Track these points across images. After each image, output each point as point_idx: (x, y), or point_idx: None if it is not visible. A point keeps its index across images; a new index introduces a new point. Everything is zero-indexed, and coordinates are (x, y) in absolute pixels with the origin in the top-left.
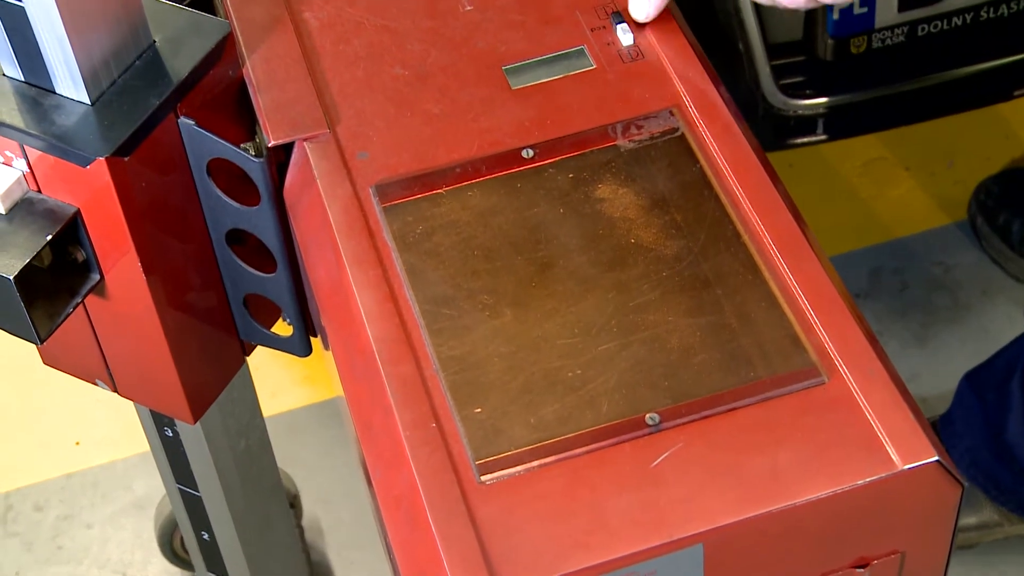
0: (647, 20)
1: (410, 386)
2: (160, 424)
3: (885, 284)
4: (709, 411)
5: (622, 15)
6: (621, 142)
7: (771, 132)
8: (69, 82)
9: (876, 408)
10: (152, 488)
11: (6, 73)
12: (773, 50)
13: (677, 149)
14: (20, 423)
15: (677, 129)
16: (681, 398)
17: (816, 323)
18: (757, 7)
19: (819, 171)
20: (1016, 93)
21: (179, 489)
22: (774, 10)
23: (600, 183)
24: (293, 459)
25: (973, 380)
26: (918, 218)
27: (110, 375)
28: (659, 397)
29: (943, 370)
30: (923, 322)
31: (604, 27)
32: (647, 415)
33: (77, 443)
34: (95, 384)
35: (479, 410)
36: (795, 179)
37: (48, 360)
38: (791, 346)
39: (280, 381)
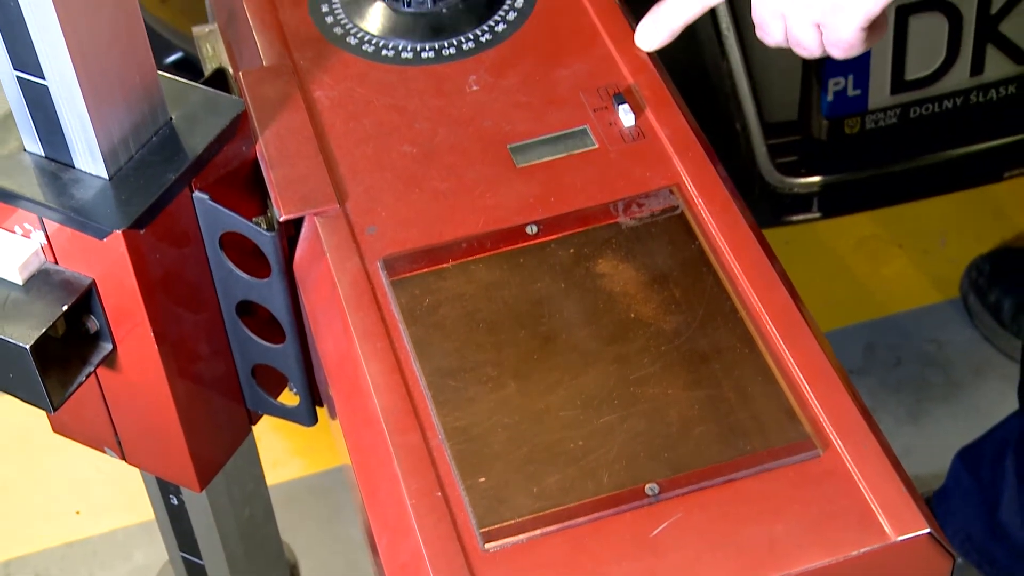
0: (653, 49)
1: (416, 455)
2: (166, 492)
3: (879, 360)
4: (707, 482)
5: (623, 97)
6: (622, 219)
7: (768, 209)
8: (88, 157)
9: (869, 480)
10: (152, 557)
11: (27, 148)
12: (769, 129)
13: (677, 227)
14: (21, 492)
15: (677, 207)
16: (680, 469)
17: (811, 397)
18: (754, 88)
19: (815, 248)
20: (1006, 175)
21: (182, 558)
22: (770, 90)
23: (602, 259)
24: (293, 529)
25: (966, 457)
26: (911, 295)
27: (118, 442)
28: (658, 468)
29: (936, 446)
30: (917, 398)
31: (606, 108)
32: (647, 486)
33: (77, 512)
34: (103, 451)
35: (483, 479)
36: (791, 255)
37: (57, 428)
38: (787, 419)
39: (281, 450)
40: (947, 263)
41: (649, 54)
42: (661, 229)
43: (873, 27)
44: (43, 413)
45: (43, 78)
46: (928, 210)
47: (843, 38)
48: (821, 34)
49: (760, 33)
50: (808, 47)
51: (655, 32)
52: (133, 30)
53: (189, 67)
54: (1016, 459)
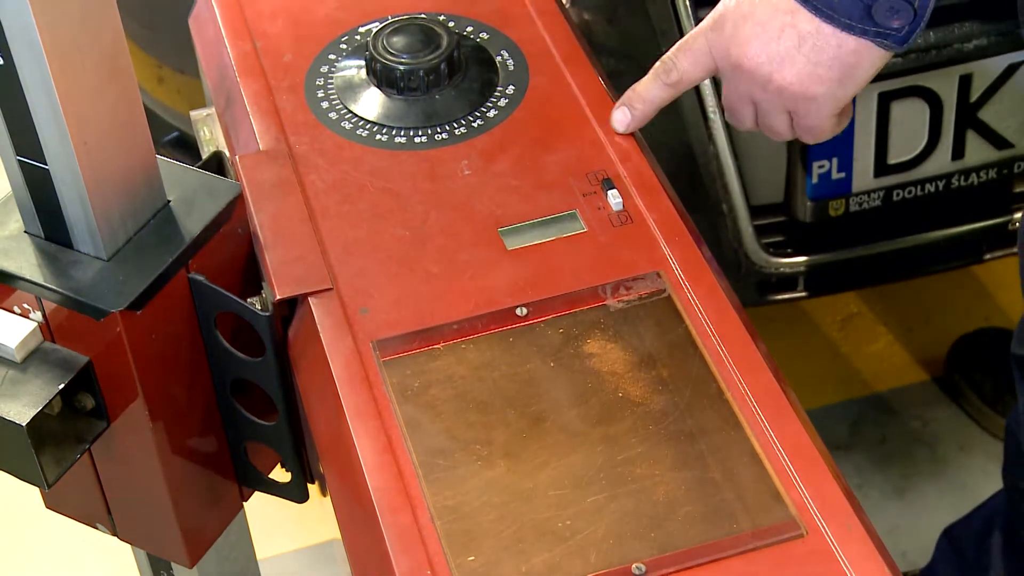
0: (625, 132)
1: (407, 534)
2: (157, 568)
3: (865, 437)
4: (693, 562)
5: (612, 182)
6: (610, 302)
7: (754, 289)
8: (87, 239)
9: (853, 561)
10: None
11: (28, 229)
12: (755, 211)
13: (663, 309)
14: (12, 566)
15: (663, 290)
16: (666, 549)
17: (795, 478)
18: (740, 171)
19: (801, 326)
20: (987, 256)
21: None
22: (756, 173)
23: (590, 340)
24: None
25: (952, 535)
26: (897, 373)
27: (111, 518)
28: (645, 548)
29: (922, 523)
30: (903, 475)
31: (595, 192)
32: (633, 565)
33: None
34: (95, 528)
35: (472, 558)
36: (778, 334)
37: (50, 504)
38: (771, 500)
39: (272, 525)
40: (932, 342)
41: (636, 139)
42: (648, 312)
43: (842, 113)
44: (35, 488)
45: (45, 163)
46: (912, 290)
47: (814, 125)
48: (792, 120)
49: (731, 119)
50: (779, 132)
51: (627, 118)
52: (133, 118)
53: (186, 146)
54: (1002, 537)
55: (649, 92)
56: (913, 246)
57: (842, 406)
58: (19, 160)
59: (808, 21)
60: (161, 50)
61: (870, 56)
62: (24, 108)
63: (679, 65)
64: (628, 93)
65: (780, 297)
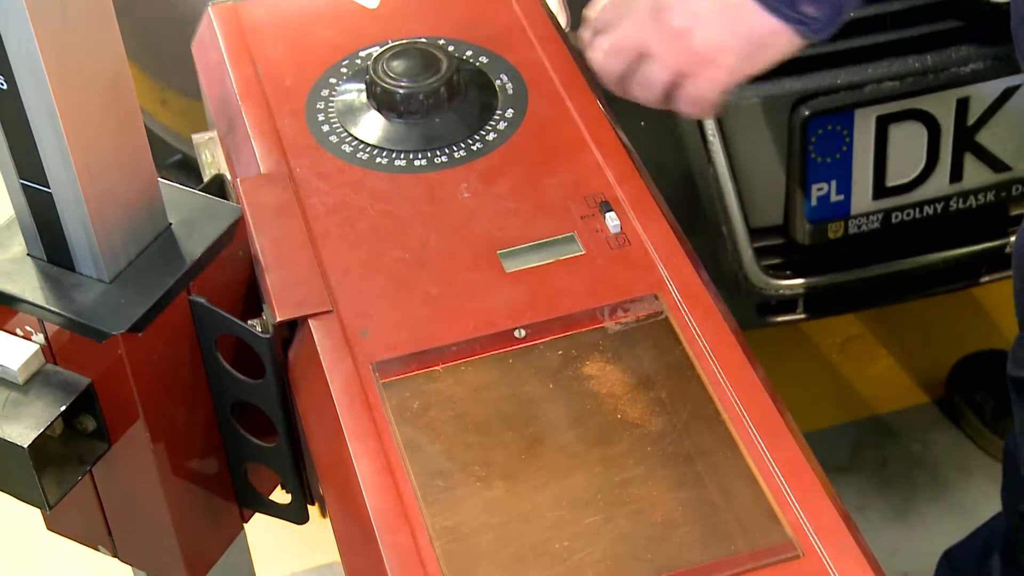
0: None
1: (406, 555)
2: None
3: (866, 459)
4: None
5: (610, 204)
6: (608, 324)
7: (753, 311)
8: (90, 262)
9: None
10: None
11: (31, 252)
12: (755, 233)
13: (661, 331)
14: None
15: (661, 312)
16: (663, 569)
17: (791, 499)
18: (740, 193)
19: (801, 348)
20: (984, 279)
21: None
22: (755, 195)
23: (588, 362)
24: None
25: (952, 558)
26: (897, 395)
27: (111, 540)
28: (643, 569)
29: (923, 546)
30: (903, 497)
31: (593, 215)
32: None
33: None
34: (96, 549)
35: None
36: (778, 356)
37: (52, 526)
38: (768, 521)
39: (272, 547)
40: (932, 364)
41: (635, 162)
42: (646, 334)
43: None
44: (36, 510)
45: (47, 187)
46: (912, 311)
47: (701, 96)
48: (672, 86)
49: (605, 62)
50: (653, 93)
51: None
52: (136, 142)
53: (188, 168)
54: (1001, 560)
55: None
56: (912, 268)
57: (843, 428)
58: (22, 183)
59: None
60: (164, 73)
61: (783, 40)
62: (27, 132)
63: (602, 13)
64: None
65: (780, 319)
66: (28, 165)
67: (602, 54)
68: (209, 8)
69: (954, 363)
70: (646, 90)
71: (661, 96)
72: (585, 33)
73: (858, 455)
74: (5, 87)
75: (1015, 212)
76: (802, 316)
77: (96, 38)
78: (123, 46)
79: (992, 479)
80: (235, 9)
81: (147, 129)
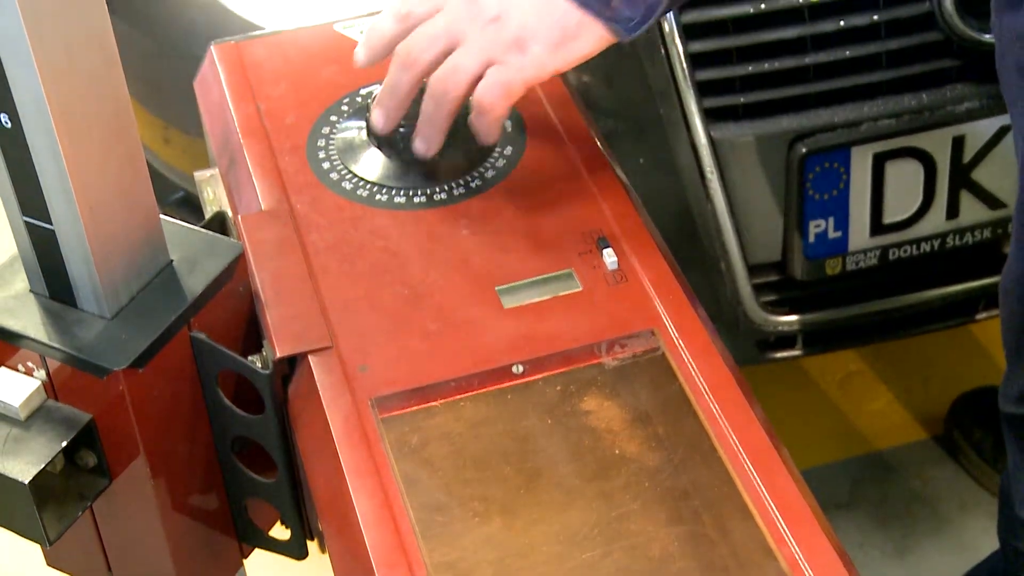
0: (363, 65)
1: None
2: None
3: (866, 496)
4: None
5: (607, 240)
6: (605, 360)
7: (753, 347)
8: (91, 298)
9: None
10: None
11: (33, 288)
12: (753, 269)
13: (658, 367)
14: None
15: (658, 348)
16: None
17: (787, 535)
18: (738, 230)
19: (800, 384)
20: (981, 315)
21: None
22: (753, 232)
23: (586, 398)
24: None
25: None
26: (897, 431)
27: (111, 575)
28: None
29: None
30: (903, 534)
31: (591, 251)
32: None
33: None
34: None
35: None
36: (777, 391)
37: (51, 561)
38: (764, 557)
39: None
40: (931, 400)
41: (632, 199)
42: (643, 370)
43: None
44: (36, 545)
45: (50, 224)
46: (912, 348)
47: (508, 83)
48: (478, 76)
49: (410, 52)
50: (458, 80)
51: (361, 53)
52: (138, 179)
53: (190, 206)
54: None
55: (381, 27)
56: (910, 304)
57: (842, 464)
58: (25, 221)
59: None
60: (167, 111)
61: (595, 35)
62: (31, 170)
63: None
64: (368, 31)
65: (779, 355)
66: (31, 202)
67: (414, 43)
68: (212, 47)
69: (953, 399)
70: (452, 77)
71: (466, 86)
72: (385, 22)
73: (858, 491)
74: (9, 125)
75: None
76: (801, 352)
77: (100, 76)
78: (126, 84)
79: (992, 516)
80: (237, 48)
81: (150, 166)
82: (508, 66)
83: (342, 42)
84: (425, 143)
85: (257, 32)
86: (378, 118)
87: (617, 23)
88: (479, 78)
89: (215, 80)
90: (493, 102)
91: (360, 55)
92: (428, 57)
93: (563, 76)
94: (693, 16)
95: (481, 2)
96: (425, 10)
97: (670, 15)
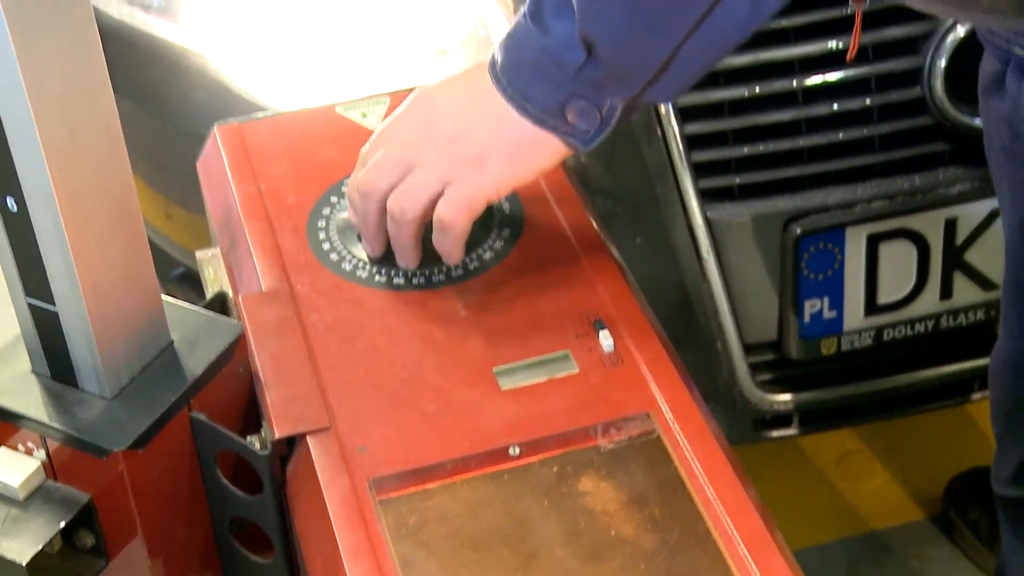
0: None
1: None
2: None
3: None
4: None
5: (604, 323)
6: (601, 442)
7: (749, 425)
8: (93, 379)
9: None
10: None
11: (35, 369)
12: (749, 349)
13: (653, 450)
14: None
15: (653, 431)
16: None
17: None
18: (734, 309)
19: (797, 462)
20: (976, 396)
21: None
22: (749, 311)
23: (582, 479)
24: None
25: None
26: (894, 511)
27: None
28: None
29: None
30: None
31: (587, 333)
32: None
33: None
34: None
35: None
36: (774, 470)
37: None
38: None
39: None
40: (928, 480)
41: (628, 281)
42: (638, 452)
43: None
44: None
45: (53, 305)
46: (909, 427)
47: (467, 198)
48: (435, 196)
49: (366, 184)
50: (416, 201)
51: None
52: (141, 262)
53: (191, 281)
54: None
55: (353, 179)
56: (905, 384)
57: (840, 544)
58: (29, 302)
59: (501, 105)
60: (170, 188)
61: (551, 149)
62: (36, 252)
63: (370, 143)
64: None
65: (775, 434)
66: (35, 284)
67: (372, 170)
68: (215, 128)
69: (950, 479)
70: (410, 199)
71: (424, 205)
72: (356, 172)
73: (856, 571)
74: (15, 209)
75: None
76: (797, 431)
77: (105, 159)
78: (130, 167)
79: None
80: (240, 129)
81: (150, 242)
82: (468, 182)
83: (343, 124)
84: (403, 260)
85: (260, 113)
86: (366, 247)
87: (573, 137)
88: (438, 196)
89: (218, 161)
90: (454, 217)
91: (351, 214)
92: (386, 184)
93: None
94: (689, 99)
95: (436, 125)
96: (383, 146)
97: None
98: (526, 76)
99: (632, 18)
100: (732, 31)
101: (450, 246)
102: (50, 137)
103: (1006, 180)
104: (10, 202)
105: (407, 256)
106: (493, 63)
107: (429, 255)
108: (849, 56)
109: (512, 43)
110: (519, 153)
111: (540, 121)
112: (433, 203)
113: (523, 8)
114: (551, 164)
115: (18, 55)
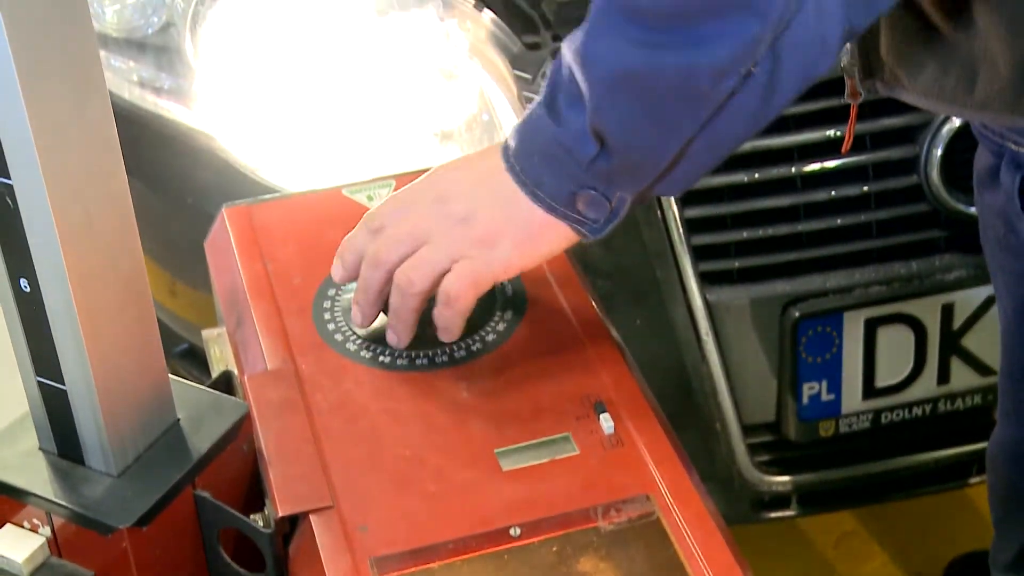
0: (341, 281)
1: None
2: None
3: None
4: None
5: (604, 406)
6: (601, 524)
7: (748, 506)
8: (99, 457)
9: None
10: None
11: (42, 447)
12: (747, 430)
13: (652, 532)
14: None
15: (652, 513)
16: None
17: None
18: (733, 390)
19: (795, 543)
20: (973, 480)
21: None
22: (748, 393)
23: (582, 559)
24: None
25: None
26: None
27: None
28: None
29: None
30: None
31: (587, 416)
32: None
33: None
34: None
35: None
36: (772, 551)
37: None
38: None
39: None
40: (927, 563)
41: (628, 363)
42: (638, 534)
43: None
44: None
45: (63, 384)
46: (907, 509)
47: (476, 275)
48: (442, 271)
49: (383, 249)
50: (424, 274)
51: (339, 269)
52: (149, 341)
53: (195, 357)
54: None
55: (354, 240)
56: (903, 467)
57: None
58: (39, 381)
59: (513, 189)
60: (175, 265)
61: (559, 235)
62: (47, 332)
63: (381, 211)
64: (342, 244)
65: (773, 515)
66: (45, 363)
67: (384, 242)
68: (224, 209)
69: (948, 562)
70: (419, 272)
71: (432, 279)
72: (359, 236)
73: None
74: (28, 290)
75: None
76: (795, 512)
77: (116, 240)
78: (141, 248)
79: None
80: (248, 211)
81: (156, 319)
82: (476, 259)
83: (349, 206)
84: (395, 336)
85: (267, 196)
86: (356, 315)
87: (583, 225)
88: (445, 272)
89: (225, 241)
90: (460, 292)
91: (337, 271)
92: (395, 257)
93: None
94: None
95: (449, 205)
96: (395, 220)
97: None
98: (538, 163)
99: (643, 114)
100: (741, 127)
101: (451, 321)
102: (65, 221)
103: (1001, 271)
104: (23, 283)
105: (402, 331)
106: (506, 148)
107: (430, 337)
108: (844, 148)
109: (526, 130)
110: (528, 237)
111: (551, 208)
112: (440, 278)
113: (538, 96)
114: (559, 249)
115: (36, 143)
